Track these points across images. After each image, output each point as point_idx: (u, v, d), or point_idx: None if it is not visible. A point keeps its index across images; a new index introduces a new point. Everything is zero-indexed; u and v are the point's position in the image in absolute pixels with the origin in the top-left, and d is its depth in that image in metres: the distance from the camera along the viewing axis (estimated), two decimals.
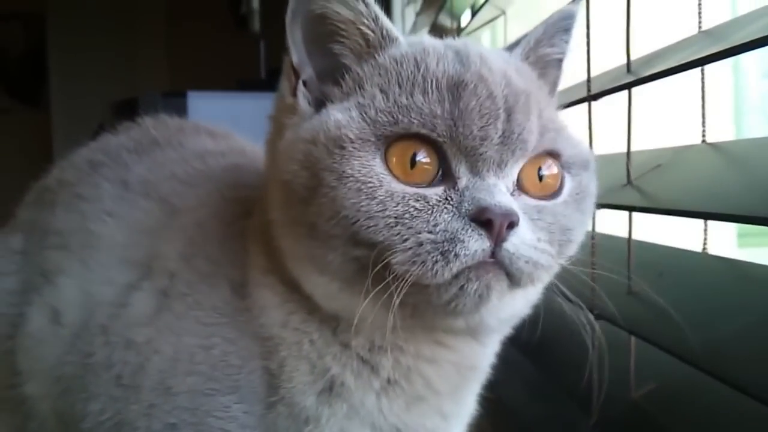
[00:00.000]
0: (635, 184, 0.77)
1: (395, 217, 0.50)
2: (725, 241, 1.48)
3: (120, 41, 4.34)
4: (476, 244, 0.50)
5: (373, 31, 0.57)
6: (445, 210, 0.51)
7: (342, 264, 0.53)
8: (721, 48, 0.56)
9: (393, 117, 0.52)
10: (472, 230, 0.50)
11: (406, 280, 0.50)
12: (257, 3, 2.84)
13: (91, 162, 0.76)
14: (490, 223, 0.50)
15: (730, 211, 0.61)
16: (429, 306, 0.53)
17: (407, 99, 0.53)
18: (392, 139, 0.53)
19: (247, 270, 0.60)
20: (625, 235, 0.80)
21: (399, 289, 0.50)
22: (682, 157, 0.76)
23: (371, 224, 0.50)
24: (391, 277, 0.50)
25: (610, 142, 0.84)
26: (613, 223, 0.83)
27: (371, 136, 0.52)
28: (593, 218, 0.80)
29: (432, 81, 0.53)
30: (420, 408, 0.60)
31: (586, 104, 0.81)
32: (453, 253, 0.49)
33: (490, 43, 1.79)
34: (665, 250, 0.80)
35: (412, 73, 0.54)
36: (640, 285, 0.76)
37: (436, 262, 0.49)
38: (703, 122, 0.77)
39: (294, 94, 0.58)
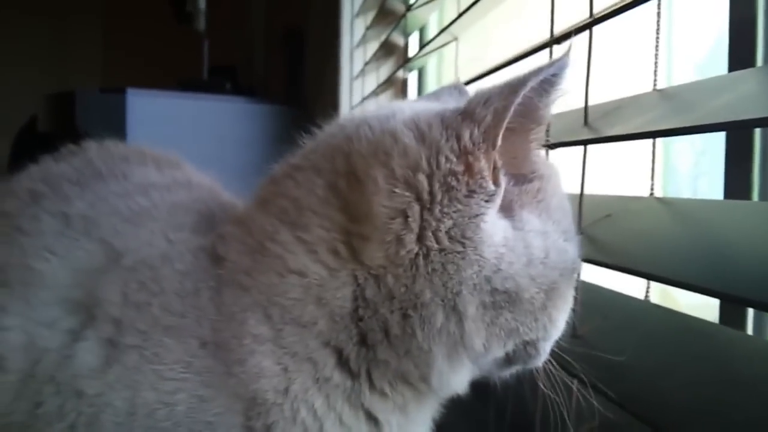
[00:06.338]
0: (586, 233, 0.79)
1: None
2: None
3: (53, 30, 4.20)
4: None
5: None
6: None
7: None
8: (682, 125, 0.59)
9: None
10: None
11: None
12: (203, 2, 2.79)
13: (32, 192, 0.71)
14: None
15: (672, 275, 0.64)
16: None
17: None
18: None
19: (229, 335, 0.56)
20: None
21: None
22: (631, 209, 0.80)
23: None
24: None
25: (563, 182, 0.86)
26: None
27: None
28: None
29: None
30: None
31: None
32: None
33: (436, 67, 1.82)
34: (610, 295, 0.83)
35: None
36: (585, 328, 0.79)
37: None
38: (652, 176, 0.80)
39: None
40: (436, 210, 0.55)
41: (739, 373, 0.65)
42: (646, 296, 0.82)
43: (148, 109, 2.27)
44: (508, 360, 0.62)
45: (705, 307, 0.87)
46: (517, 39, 1.01)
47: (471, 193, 0.55)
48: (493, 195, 0.56)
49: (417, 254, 0.55)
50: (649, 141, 0.81)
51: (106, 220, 0.65)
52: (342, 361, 0.57)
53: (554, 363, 0.79)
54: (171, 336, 0.56)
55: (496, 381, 0.67)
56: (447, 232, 0.55)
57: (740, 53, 0.78)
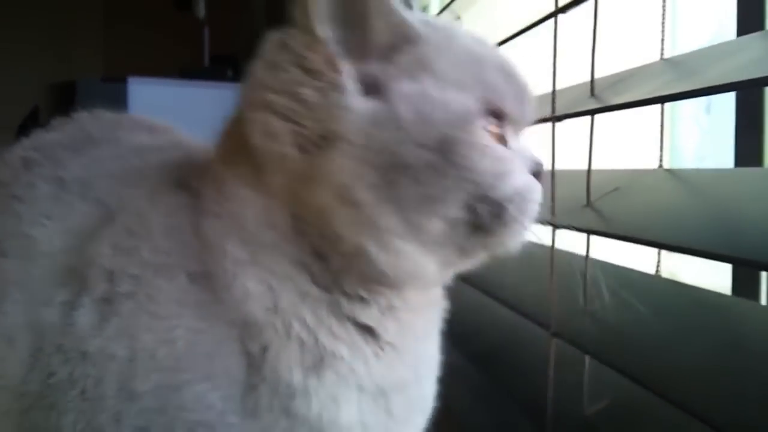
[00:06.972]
0: (594, 206, 0.78)
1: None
2: None
3: (53, 20, 4.17)
4: None
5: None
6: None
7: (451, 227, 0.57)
8: (687, 88, 0.58)
9: None
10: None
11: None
12: None
13: (25, 160, 0.71)
14: (539, 175, 0.60)
15: (683, 243, 0.63)
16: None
17: None
18: None
19: (213, 263, 0.58)
20: (583, 252, 0.82)
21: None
22: (640, 181, 0.78)
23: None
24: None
25: (570, 157, 0.85)
26: (571, 241, 0.84)
27: None
28: (552, 235, 0.82)
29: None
30: (399, 361, 0.61)
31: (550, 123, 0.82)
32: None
33: None
34: (620, 271, 0.82)
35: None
36: (595, 304, 0.78)
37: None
38: (661, 147, 0.79)
39: None
40: (303, 120, 0.56)
41: (754, 344, 0.64)
42: (657, 272, 0.81)
43: (150, 98, 2.26)
44: (477, 226, 0.58)
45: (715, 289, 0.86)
46: (521, 14, 0.99)
47: (320, 91, 0.56)
48: (340, 84, 0.56)
49: (304, 166, 0.56)
50: (657, 114, 0.79)
51: (100, 181, 0.66)
52: (315, 277, 0.58)
53: (565, 338, 0.78)
54: (161, 275, 0.57)
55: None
56: (320, 136, 0.56)
57: (748, 25, 0.77)
